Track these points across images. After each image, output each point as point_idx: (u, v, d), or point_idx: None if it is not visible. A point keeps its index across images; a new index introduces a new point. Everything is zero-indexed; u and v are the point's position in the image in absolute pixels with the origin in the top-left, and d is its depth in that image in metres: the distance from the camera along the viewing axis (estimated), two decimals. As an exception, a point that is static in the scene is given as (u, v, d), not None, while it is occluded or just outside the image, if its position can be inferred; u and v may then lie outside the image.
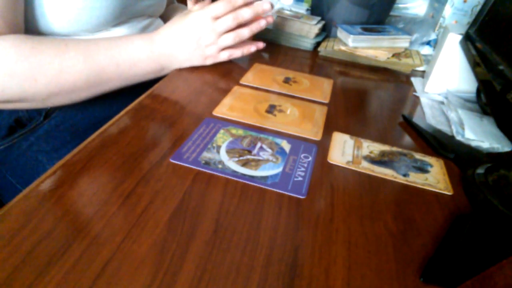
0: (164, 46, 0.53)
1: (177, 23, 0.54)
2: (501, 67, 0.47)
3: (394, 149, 0.45)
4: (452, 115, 0.54)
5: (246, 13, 0.55)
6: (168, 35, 0.53)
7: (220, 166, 0.38)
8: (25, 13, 0.47)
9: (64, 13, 0.49)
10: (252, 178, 0.36)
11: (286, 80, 0.61)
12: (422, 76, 0.72)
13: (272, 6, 0.57)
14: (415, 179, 0.40)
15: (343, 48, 0.74)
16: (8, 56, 0.42)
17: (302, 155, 0.41)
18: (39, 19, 0.48)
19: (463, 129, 0.50)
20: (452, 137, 0.50)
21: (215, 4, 0.54)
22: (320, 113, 0.51)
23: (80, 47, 0.47)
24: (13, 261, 0.25)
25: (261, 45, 0.62)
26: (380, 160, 0.42)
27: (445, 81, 0.63)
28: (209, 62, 0.58)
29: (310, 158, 0.41)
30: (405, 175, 0.40)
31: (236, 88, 0.55)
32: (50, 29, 0.50)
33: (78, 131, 0.56)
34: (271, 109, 0.50)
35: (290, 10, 0.85)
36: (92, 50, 0.47)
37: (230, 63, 0.65)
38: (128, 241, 0.28)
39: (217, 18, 0.54)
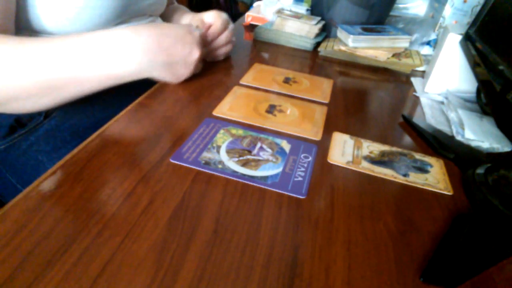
0: (144, 48, 0.46)
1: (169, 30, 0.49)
2: (501, 67, 0.47)
3: (394, 149, 0.45)
4: (452, 115, 0.54)
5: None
6: (155, 38, 0.47)
7: (220, 166, 0.38)
8: (24, 12, 0.47)
9: (62, 11, 0.48)
10: (252, 178, 0.36)
11: (286, 80, 0.61)
12: (422, 76, 0.72)
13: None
14: (415, 179, 0.40)
15: (343, 48, 0.74)
16: None
17: (302, 155, 0.41)
18: (39, 17, 0.48)
19: (463, 129, 0.50)
20: (452, 137, 0.50)
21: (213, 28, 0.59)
22: (320, 113, 0.51)
23: (38, 50, 0.42)
24: (13, 261, 0.25)
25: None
26: (380, 160, 0.42)
27: (445, 81, 0.63)
28: (180, 80, 0.53)
29: (310, 158, 0.41)
30: (405, 175, 0.40)
31: (236, 88, 0.55)
32: (50, 28, 0.49)
33: (78, 131, 0.56)
34: (271, 109, 0.50)
35: (290, 10, 0.85)
36: (48, 54, 0.42)
37: (230, 63, 0.65)
38: (128, 241, 0.28)
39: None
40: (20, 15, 0.47)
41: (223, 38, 0.62)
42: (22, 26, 0.48)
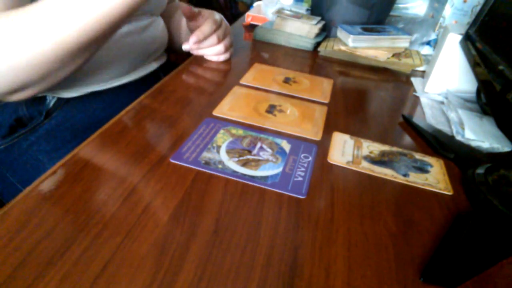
0: None
1: None
2: (501, 67, 0.47)
3: (394, 149, 0.45)
4: (452, 115, 0.54)
5: None
6: None
7: (220, 166, 0.38)
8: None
9: None
10: (252, 178, 0.36)
11: (286, 80, 0.61)
12: (422, 76, 0.72)
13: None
14: (415, 179, 0.40)
15: (343, 48, 0.74)
16: None
17: (302, 155, 0.41)
18: None
19: (463, 129, 0.50)
20: (452, 137, 0.50)
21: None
22: (320, 113, 0.51)
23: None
24: (13, 261, 0.25)
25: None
26: (380, 160, 0.42)
27: (445, 81, 0.63)
28: None
29: (310, 158, 0.41)
30: (405, 175, 0.40)
31: (236, 88, 0.55)
32: None
33: (78, 131, 0.56)
34: (271, 109, 0.50)
35: (290, 10, 0.85)
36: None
37: (230, 63, 0.65)
38: (128, 241, 0.28)
39: None
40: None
41: (214, 37, 0.61)
42: None
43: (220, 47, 0.63)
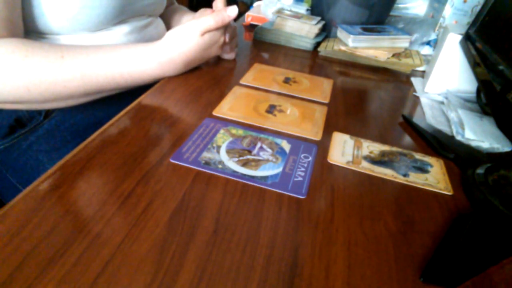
0: (170, 60, 0.52)
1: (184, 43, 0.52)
2: (501, 67, 0.47)
3: (394, 149, 0.45)
4: (452, 115, 0.54)
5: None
6: (177, 52, 0.52)
7: (220, 166, 0.38)
8: (24, 13, 0.47)
9: (63, 12, 0.48)
10: (252, 178, 0.36)
11: (286, 80, 0.61)
12: (422, 76, 0.72)
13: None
14: (415, 179, 0.40)
15: (343, 48, 0.74)
16: (0, 64, 0.42)
17: (302, 155, 0.41)
18: (38, 18, 0.48)
19: (463, 129, 0.50)
20: (452, 137, 0.50)
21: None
22: (320, 113, 0.51)
23: (77, 62, 0.46)
24: (13, 261, 0.25)
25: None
26: (380, 160, 0.42)
27: (445, 81, 0.63)
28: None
29: (310, 158, 0.41)
30: (405, 175, 0.40)
31: (236, 88, 0.55)
32: (50, 29, 0.50)
33: (78, 131, 0.56)
34: (271, 109, 0.50)
35: (290, 10, 0.85)
36: (89, 67, 0.46)
37: (230, 63, 0.66)
38: (128, 241, 0.28)
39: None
40: (25, 18, 0.47)
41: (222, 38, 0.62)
42: (29, 29, 0.49)
43: (227, 47, 0.64)
